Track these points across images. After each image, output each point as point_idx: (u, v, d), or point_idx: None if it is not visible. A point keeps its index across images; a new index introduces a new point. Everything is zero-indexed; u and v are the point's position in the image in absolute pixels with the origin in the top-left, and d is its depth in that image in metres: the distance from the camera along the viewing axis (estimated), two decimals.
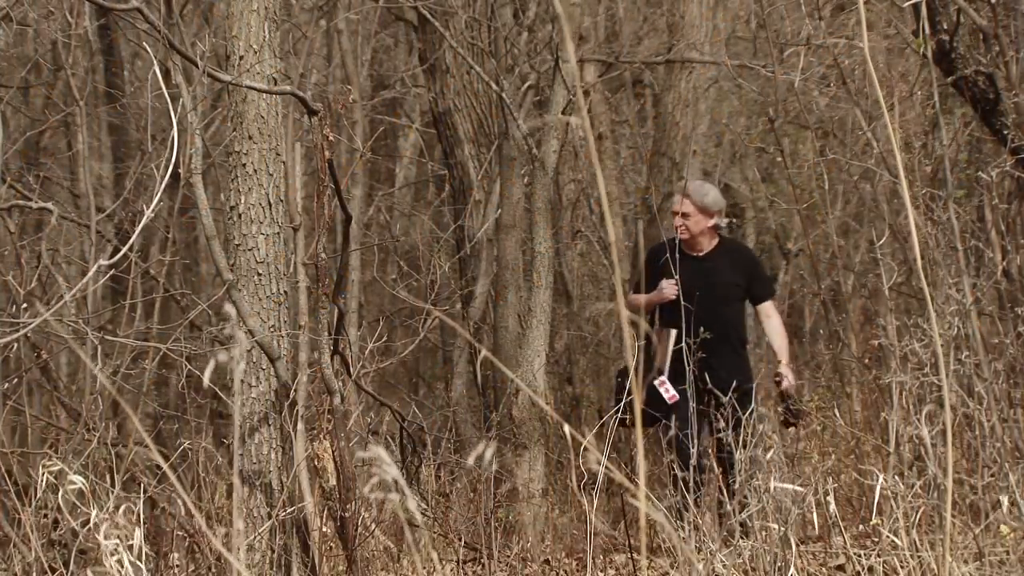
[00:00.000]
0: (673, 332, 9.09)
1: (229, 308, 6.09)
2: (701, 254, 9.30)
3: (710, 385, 8.46)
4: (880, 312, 9.28)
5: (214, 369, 3.44)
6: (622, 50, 13.85)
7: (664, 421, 9.10)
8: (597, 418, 9.18)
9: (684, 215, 9.27)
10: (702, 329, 8.70)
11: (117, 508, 5.57)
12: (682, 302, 8.95)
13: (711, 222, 9.26)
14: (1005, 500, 6.44)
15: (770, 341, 9.43)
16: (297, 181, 7.17)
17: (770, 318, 9.37)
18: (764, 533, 6.03)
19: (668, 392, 8.93)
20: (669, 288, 9.09)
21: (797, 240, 16.29)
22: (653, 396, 8.97)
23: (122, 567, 4.64)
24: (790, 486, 6.09)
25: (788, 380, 9.02)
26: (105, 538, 4.65)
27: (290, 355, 7.09)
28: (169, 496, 7.19)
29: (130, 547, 5.17)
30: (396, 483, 3.13)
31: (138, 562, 4.66)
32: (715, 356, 8.78)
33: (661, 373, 9.04)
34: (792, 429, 8.98)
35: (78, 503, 5.59)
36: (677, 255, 9.07)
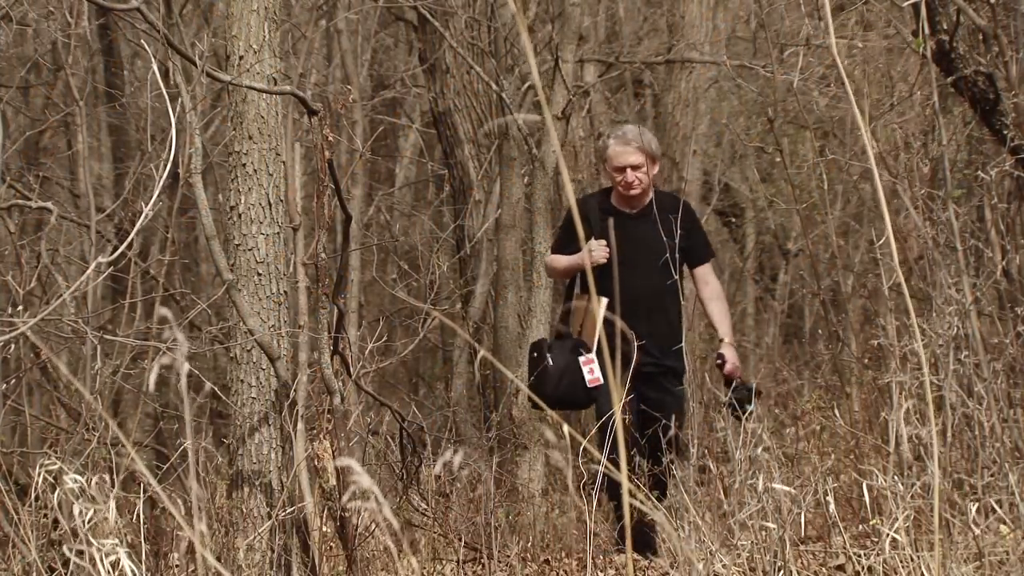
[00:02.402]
0: (604, 301, 7.76)
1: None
2: (635, 211, 7.97)
3: (643, 365, 7.49)
4: (880, 312, 9.27)
5: (187, 371, 3.43)
6: (622, 50, 13.86)
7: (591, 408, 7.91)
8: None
9: (636, 167, 7.91)
10: (634, 300, 7.65)
11: (116, 508, 5.57)
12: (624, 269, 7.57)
13: (655, 169, 7.99)
14: (1005, 500, 6.44)
15: (707, 312, 8.15)
16: (297, 181, 7.17)
17: (708, 285, 8.08)
18: (764, 533, 6.03)
19: (592, 374, 7.72)
20: (599, 251, 7.78)
21: (797, 240, 16.29)
22: (574, 377, 7.79)
23: (117, 568, 4.63)
24: (785, 487, 6.09)
25: (731, 362, 7.91)
26: (99, 538, 4.65)
27: (290, 355, 7.09)
28: (169, 496, 7.20)
29: (130, 548, 5.18)
30: (371, 492, 3.13)
31: (130, 562, 4.66)
32: (648, 331, 7.72)
33: (588, 350, 7.77)
34: (746, 417, 7.57)
35: (77, 503, 5.59)
36: (608, 212, 7.91)
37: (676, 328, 7.91)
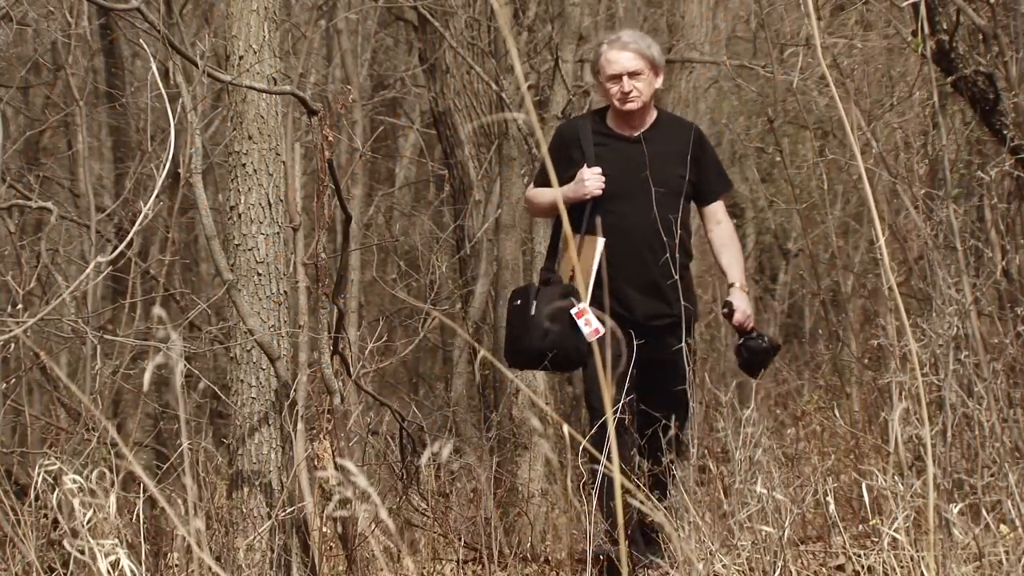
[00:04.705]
0: (600, 241, 6.61)
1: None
2: (635, 134, 6.84)
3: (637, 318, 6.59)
4: (880, 312, 9.26)
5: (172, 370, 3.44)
6: None
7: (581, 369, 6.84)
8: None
9: (633, 74, 6.75)
10: (631, 239, 6.60)
11: (116, 508, 5.57)
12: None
13: (659, 83, 6.85)
14: (1005, 500, 6.44)
15: (716, 255, 7.00)
16: (297, 181, 7.17)
17: (720, 224, 6.93)
18: (763, 534, 6.04)
19: (591, 326, 6.58)
20: (593, 181, 6.68)
21: (797, 240, 16.30)
22: (563, 330, 6.65)
23: (116, 568, 4.64)
24: (781, 497, 6.09)
25: (741, 310, 6.85)
26: (98, 538, 4.65)
27: (290, 355, 7.09)
28: (168, 496, 7.20)
29: (129, 547, 5.18)
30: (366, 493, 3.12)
31: (130, 561, 4.66)
32: (647, 278, 6.73)
33: (577, 298, 6.63)
34: (760, 373, 6.88)
35: (76, 500, 5.59)
36: (603, 135, 6.83)
37: (684, 278, 6.79)
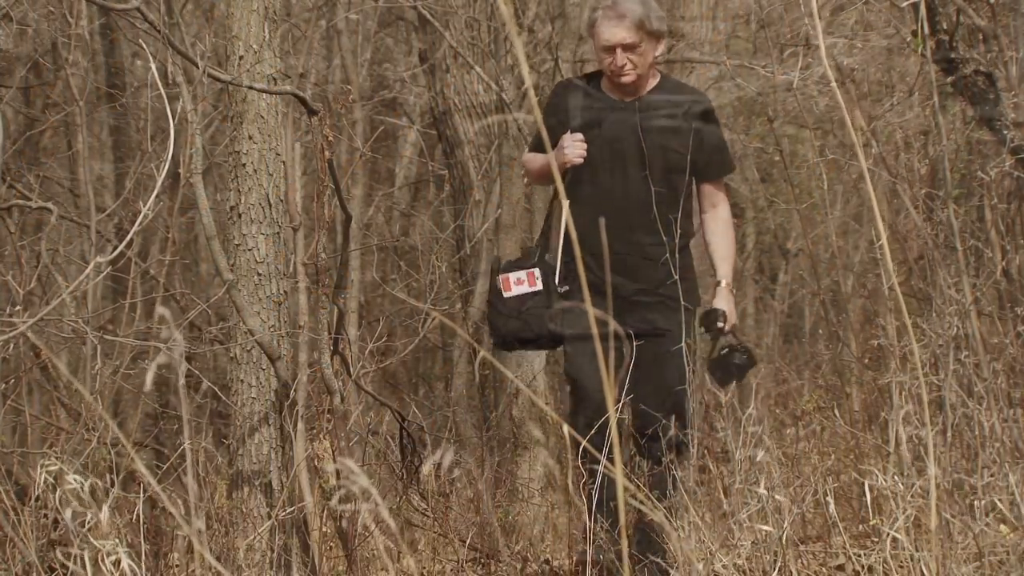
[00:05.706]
0: (566, 205, 6.19)
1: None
2: (627, 99, 6.27)
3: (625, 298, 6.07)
4: (880, 312, 9.27)
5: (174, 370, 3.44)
6: None
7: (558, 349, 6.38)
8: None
9: (629, 47, 6.16)
10: (616, 212, 6.08)
11: (115, 508, 5.57)
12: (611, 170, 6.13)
13: (659, 51, 6.25)
14: (1005, 500, 6.45)
15: (708, 243, 6.36)
16: (297, 181, 7.17)
17: (716, 208, 6.32)
18: (763, 533, 6.04)
19: (514, 285, 6.10)
20: (573, 148, 6.15)
21: (797, 240, 16.29)
22: (526, 304, 6.21)
23: (117, 568, 4.64)
24: (782, 498, 6.09)
25: (726, 317, 6.30)
26: (98, 539, 4.66)
27: (290, 355, 7.09)
28: (169, 495, 7.20)
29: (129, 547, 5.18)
30: (367, 492, 3.12)
31: (130, 561, 4.67)
32: (637, 257, 6.23)
33: (531, 266, 6.21)
34: (731, 385, 6.27)
35: (78, 504, 5.59)
36: (595, 99, 6.29)
37: (682, 258, 6.24)
